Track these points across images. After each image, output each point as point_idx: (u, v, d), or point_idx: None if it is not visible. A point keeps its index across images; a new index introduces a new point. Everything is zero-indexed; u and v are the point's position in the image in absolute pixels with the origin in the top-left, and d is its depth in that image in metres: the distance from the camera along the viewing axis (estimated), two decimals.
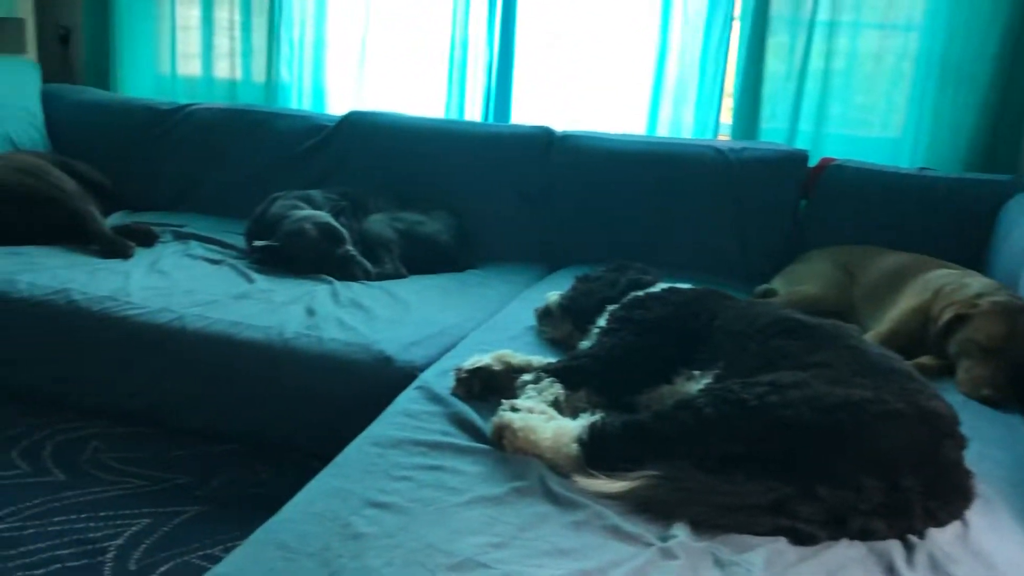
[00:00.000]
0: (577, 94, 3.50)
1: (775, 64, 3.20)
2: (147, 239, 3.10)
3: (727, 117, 3.36)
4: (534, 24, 3.49)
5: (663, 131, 3.40)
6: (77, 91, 3.93)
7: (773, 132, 3.24)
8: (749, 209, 2.98)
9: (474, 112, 3.60)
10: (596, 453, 1.57)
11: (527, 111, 3.55)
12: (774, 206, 2.98)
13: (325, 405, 2.28)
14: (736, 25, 3.25)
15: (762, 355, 1.72)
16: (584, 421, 1.63)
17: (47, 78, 3.96)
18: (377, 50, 3.71)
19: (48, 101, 3.82)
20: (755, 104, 3.22)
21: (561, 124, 3.33)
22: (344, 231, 2.94)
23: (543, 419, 1.67)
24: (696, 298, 1.97)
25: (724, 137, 3.34)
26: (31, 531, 1.96)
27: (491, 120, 3.57)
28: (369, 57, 3.71)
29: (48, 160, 3.38)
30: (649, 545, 1.38)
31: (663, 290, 2.04)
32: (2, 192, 3.01)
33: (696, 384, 1.75)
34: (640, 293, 2.05)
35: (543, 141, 3.21)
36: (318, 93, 3.83)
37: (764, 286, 2.71)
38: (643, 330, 1.89)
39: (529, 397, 1.77)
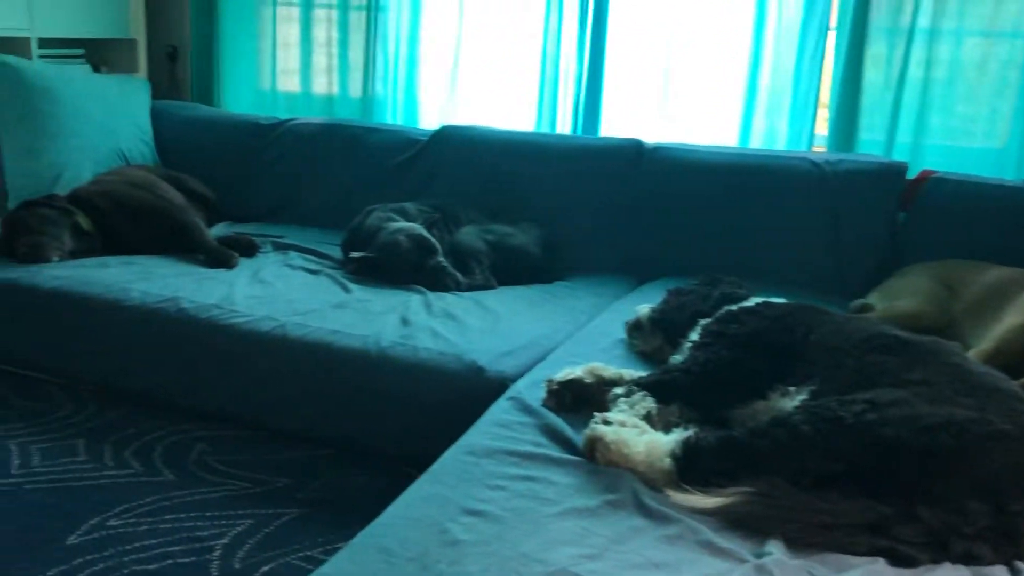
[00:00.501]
0: (668, 106, 3.48)
1: (873, 74, 3.13)
2: (249, 250, 3.23)
3: (822, 128, 3.30)
4: (624, 36, 3.49)
5: (756, 143, 3.36)
6: (184, 107, 4.12)
7: (870, 143, 3.18)
8: (845, 222, 2.92)
9: (564, 125, 3.63)
10: (690, 468, 1.57)
11: (616, 124, 3.55)
12: (871, 219, 2.91)
13: (418, 413, 2.33)
14: (831, 34, 3.20)
15: (859, 372, 1.69)
16: (677, 436, 1.63)
17: (156, 95, 4.17)
18: (469, 65, 3.77)
19: (157, 117, 4.02)
20: (852, 115, 3.16)
21: (651, 136, 3.33)
22: (436, 243, 3.00)
23: (636, 433, 1.68)
24: (791, 312, 1.95)
25: (819, 149, 3.29)
26: (144, 528, 2.06)
27: (580, 133, 3.59)
28: (461, 72, 3.78)
29: (157, 174, 3.56)
30: (744, 561, 1.37)
31: (757, 304, 2.02)
32: (116, 204, 3.18)
33: (791, 400, 1.73)
34: (733, 307, 2.04)
35: (633, 153, 3.22)
36: (411, 108, 3.92)
37: (860, 301, 2.65)
38: (737, 345, 1.88)
39: (621, 410, 1.78)
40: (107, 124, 3.75)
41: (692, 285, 2.26)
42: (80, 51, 4.09)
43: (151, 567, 1.91)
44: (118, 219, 3.16)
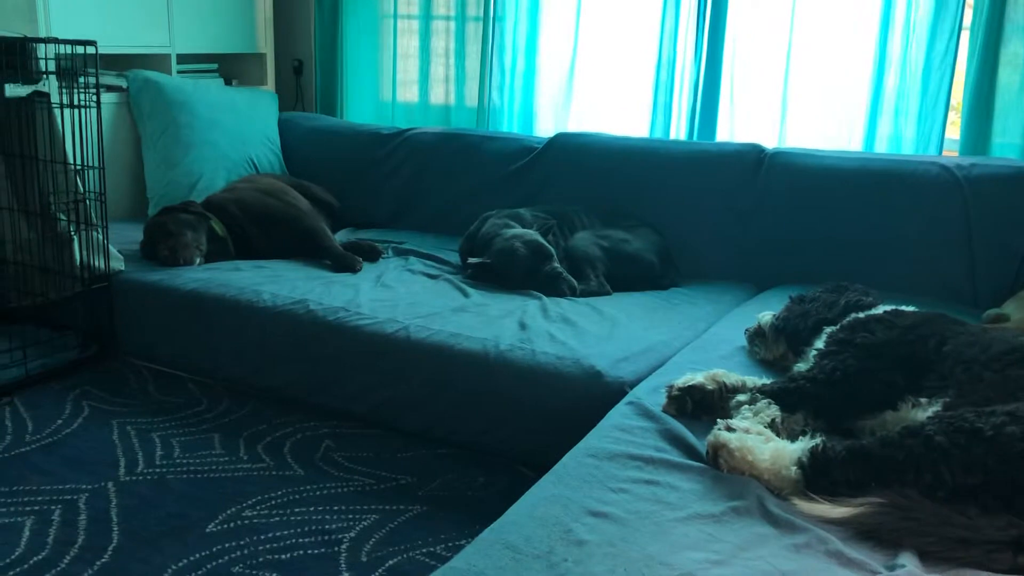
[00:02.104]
0: (788, 109, 3.42)
1: (1009, 75, 2.99)
2: (372, 255, 3.34)
3: (952, 132, 3.18)
4: (742, 40, 3.45)
5: (881, 147, 3.26)
6: (309, 118, 4.29)
7: (1005, 147, 3.03)
8: (978, 229, 2.80)
9: (679, 131, 3.61)
10: (817, 477, 1.55)
11: (734, 128, 3.51)
12: (1007, 226, 2.78)
13: (535, 415, 2.36)
14: (964, 34, 3.08)
15: (999, 385, 1.63)
16: (804, 444, 1.61)
17: (283, 106, 4.36)
18: (584, 73, 3.80)
19: (284, 127, 4.20)
20: (986, 118, 3.02)
21: (771, 141, 3.28)
22: (551, 249, 3.03)
23: (760, 440, 1.66)
24: (924, 322, 1.89)
25: (950, 153, 3.16)
26: (276, 519, 2.16)
27: (697, 138, 3.56)
28: (576, 80, 3.81)
29: (285, 181, 3.73)
30: (875, 573, 1.35)
31: (886, 312, 1.97)
32: (247, 211, 3.34)
33: (923, 411, 1.69)
34: (861, 315, 1.99)
35: (753, 158, 3.17)
36: (527, 116, 3.97)
37: (995, 311, 2.54)
38: (865, 354, 1.84)
39: (745, 417, 1.77)
40: (238, 134, 3.94)
41: (816, 292, 2.22)
42: (214, 66, 4.31)
43: (283, 557, 2.00)
44: (249, 224, 3.32)
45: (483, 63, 3.97)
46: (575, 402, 2.27)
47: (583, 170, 3.47)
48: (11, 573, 1.92)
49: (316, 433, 2.63)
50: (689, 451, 1.75)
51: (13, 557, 1.98)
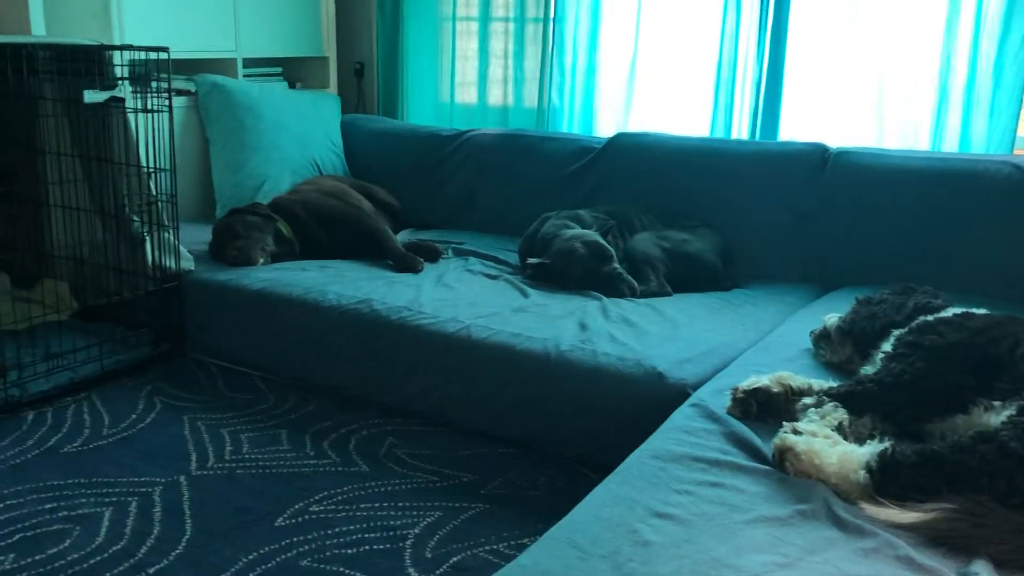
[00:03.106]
0: (853, 108, 3.37)
1: None
2: (432, 255, 3.38)
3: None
4: (805, 37, 3.41)
5: (949, 146, 3.19)
6: (370, 120, 4.36)
7: None
8: None
9: (741, 130, 3.58)
10: (886, 481, 1.53)
11: (796, 127, 3.47)
12: None
13: (596, 416, 2.37)
14: None
15: None
16: (872, 448, 1.59)
17: (345, 109, 4.44)
18: (644, 72, 3.79)
19: (346, 129, 4.27)
20: None
21: (834, 140, 3.24)
22: (611, 249, 3.03)
23: (827, 443, 1.65)
24: (995, 324, 1.85)
25: (1023, 152, 3.08)
26: (342, 515, 2.21)
27: (759, 138, 3.53)
28: (636, 80, 3.81)
29: (347, 183, 3.79)
30: None
31: (956, 315, 1.94)
32: (312, 212, 3.41)
33: (997, 416, 1.66)
34: (930, 318, 1.96)
35: (817, 158, 3.14)
36: (587, 116, 3.97)
37: None
38: (935, 357, 1.81)
39: (811, 420, 1.76)
40: (302, 137, 4.02)
41: (883, 294, 2.19)
42: (278, 69, 4.40)
43: (350, 552, 2.05)
44: (314, 226, 3.38)
45: (542, 64, 3.99)
46: (636, 403, 2.28)
47: (643, 170, 3.46)
48: (93, 560, 2.00)
49: (380, 430, 2.68)
50: (754, 454, 1.74)
51: (94, 546, 2.06)
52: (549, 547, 1.45)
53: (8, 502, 2.24)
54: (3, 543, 2.06)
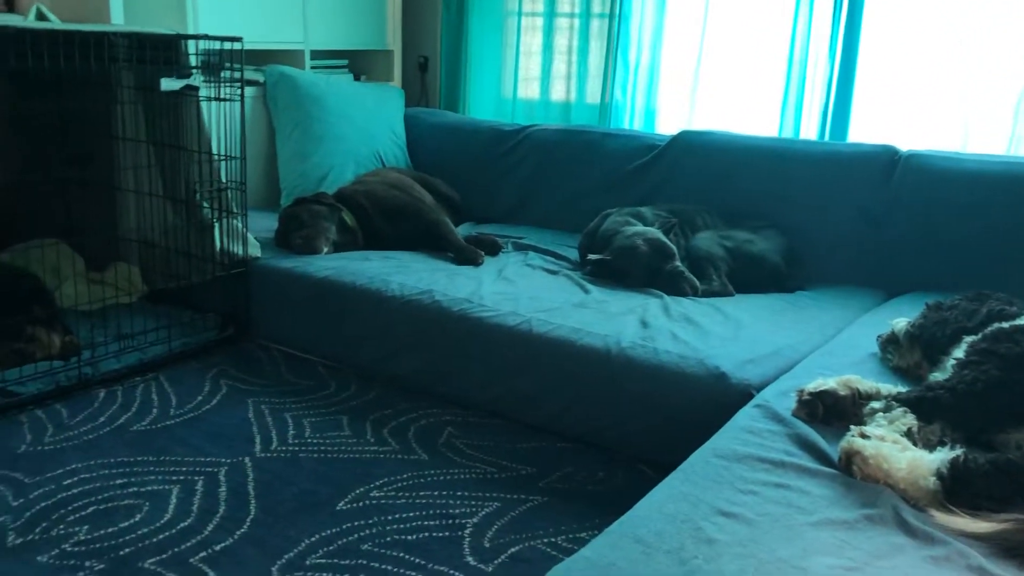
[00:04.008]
0: (926, 109, 3.30)
1: None
2: (492, 249, 3.40)
3: None
4: (881, 35, 3.34)
5: None
6: (433, 114, 4.39)
7: None
8: None
9: (809, 130, 3.53)
10: (957, 489, 1.51)
11: (868, 129, 3.41)
12: None
13: (657, 414, 2.37)
14: None
15: None
16: (944, 455, 1.57)
17: (408, 102, 4.48)
18: (710, 70, 3.76)
19: (409, 122, 4.32)
20: None
21: (906, 142, 3.18)
22: (673, 247, 3.02)
23: (896, 448, 1.63)
24: None
25: None
26: (402, 501, 2.24)
27: (828, 139, 3.48)
28: (702, 77, 3.78)
29: (409, 175, 3.83)
30: None
31: None
32: (375, 203, 3.45)
33: None
34: (1004, 325, 1.91)
35: (887, 160, 3.08)
36: (649, 114, 3.96)
37: None
38: (1010, 365, 1.77)
39: (879, 425, 1.74)
40: (366, 129, 4.08)
41: (955, 300, 2.14)
42: (344, 61, 4.46)
43: (410, 538, 2.08)
44: (377, 217, 3.43)
45: (606, 60, 3.98)
46: (698, 402, 2.27)
47: (706, 169, 3.44)
48: (162, 536, 2.06)
49: (439, 420, 2.71)
50: (820, 456, 1.72)
51: (163, 521, 2.12)
52: (613, 540, 1.46)
53: (82, 476, 2.32)
54: (78, 515, 2.14)
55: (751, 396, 2.13)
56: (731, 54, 3.71)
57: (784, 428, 1.84)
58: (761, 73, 3.64)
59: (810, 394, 1.89)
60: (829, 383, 1.90)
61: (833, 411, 1.87)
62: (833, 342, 2.44)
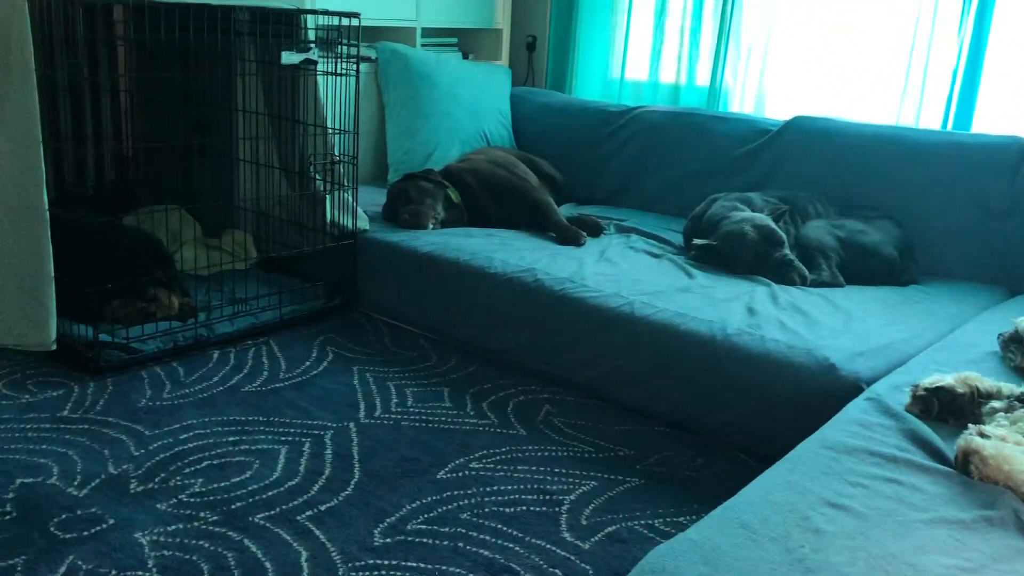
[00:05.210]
0: None
1: None
2: (595, 230, 3.39)
3: None
4: (1014, 19, 3.17)
5: None
6: (539, 93, 4.39)
7: None
8: None
9: (930, 119, 3.39)
10: None
11: (995, 118, 3.25)
12: None
13: (761, 403, 2.33)
14: None
15: None
16: None
17: (515, 81, 4.49)
18: (824, 54, 3.65)
19: (515, 102, 4.33)
20: None
21: None
22: (783, 235, 2.96)
23: (1019, 450, 1.57)
24: None
25: None
26: (500, 474, 2.27)
27: (951, 128, 3.34)
28: (816, 61, 3.67)
29: (514, 155, 3.85)
30: None
31: None
32: (480, 181, 3.48)
33: None
34: None
35: (1014, 152, 2.95)
36: (760, 97, 3.87)
37: None
38: None
39: (1000, 425, 1.68)
40: (473, 107, 4.11)
41: None
42: (453, 40, 4.50)
43: (507, 510, 2.11)
44: (482, 194, 3.46)
45: (718, 42, 3.91)
46: (805, 393, 2.23)
47: (820, 156, 3.35)
48: (271, 493, 2.14)
49: (537, 397, 2.73)
50: (934, 454, 1.67)
51: (272, 479, 2.21)
52: (717, 524, 1.45)
53: (197, 431, 2.43)
54: (194, 468, 2.24)
55: (861, 390, 2.08)
56: (848, 36, 3.58)
57: (896, 423, 1.79)
58: (881, 58, 3.51)
59: (925, 389, 1.83)
60: (946, 379, 1.84)
61: (949, 408, 1.81)
62: (949, 339, 2.35)
